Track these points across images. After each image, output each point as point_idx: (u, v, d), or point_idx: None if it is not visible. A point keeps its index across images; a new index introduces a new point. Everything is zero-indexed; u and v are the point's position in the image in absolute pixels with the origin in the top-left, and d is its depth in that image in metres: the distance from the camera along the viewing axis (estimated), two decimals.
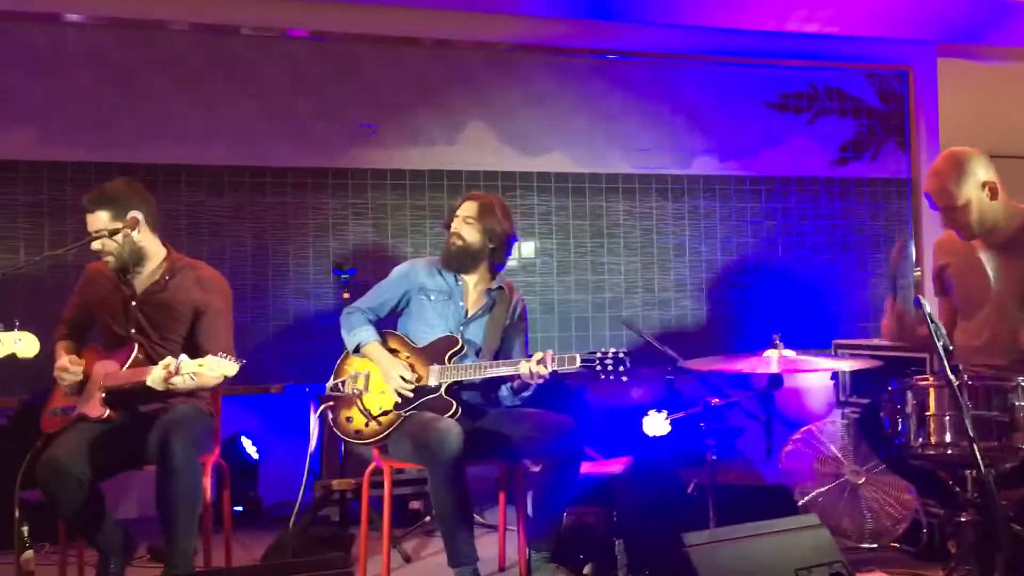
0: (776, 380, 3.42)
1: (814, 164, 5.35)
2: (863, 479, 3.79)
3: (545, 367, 3.18)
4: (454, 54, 4.83)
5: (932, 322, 2.68)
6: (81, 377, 3.22)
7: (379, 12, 4.70)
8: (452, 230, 3.55)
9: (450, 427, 3.17)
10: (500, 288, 3.59)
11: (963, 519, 2.85)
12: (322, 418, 3.55)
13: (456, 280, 3.56)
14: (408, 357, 3.44)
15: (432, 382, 3.37)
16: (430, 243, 4.68)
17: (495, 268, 3.60)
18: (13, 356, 2.95)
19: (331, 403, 3.44)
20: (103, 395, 3.14)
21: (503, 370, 3.31)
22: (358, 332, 3.48)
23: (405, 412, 3.32)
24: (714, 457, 3.25)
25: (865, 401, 4.04)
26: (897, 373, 3.22)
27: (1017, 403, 2.77)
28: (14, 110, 4.25)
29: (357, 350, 3.48)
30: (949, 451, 2.83)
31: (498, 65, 4.88)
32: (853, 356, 4.21)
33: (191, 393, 3.21)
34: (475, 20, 4.84)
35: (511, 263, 4.43)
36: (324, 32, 4.66)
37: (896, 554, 3.69)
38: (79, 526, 3.13)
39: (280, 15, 4.59)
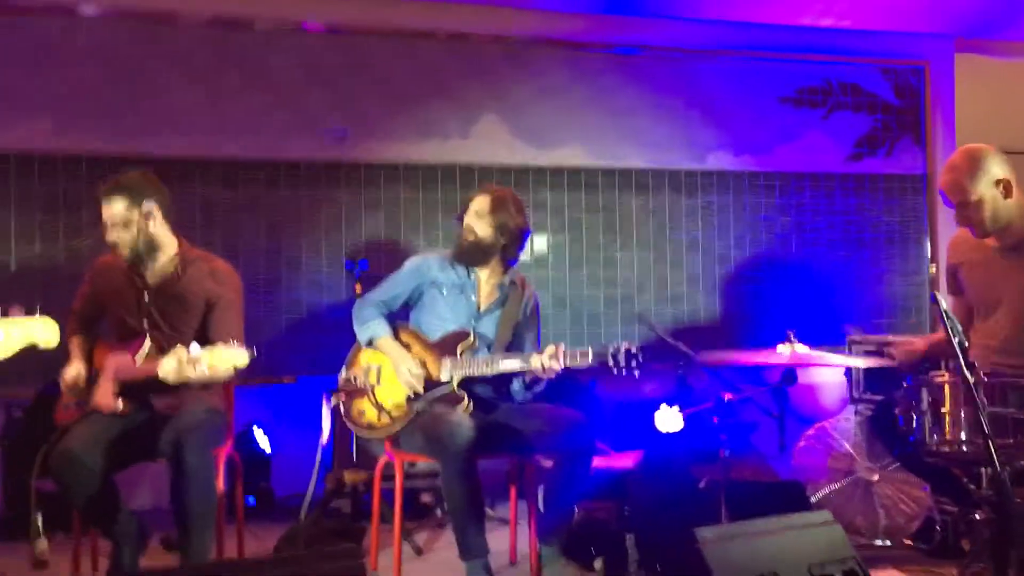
0: (790, 375, 3.40)
1: (829, 160, 5.31)
2: (877, 476, 3.77)
3: (557, 361, 3.18)
4: (469, 48, 4.82)
5: (948, 318, 2.66)
6: (85, 395, 3.22)
7: (394, 5, 4.69)
8: (465, 224, 3.54)
9: (462, 421, 3.18)
10: (513, 282, 3.58)
11: (978, 517, 2.84)
12: (334, 411, 3.56)
13: (468, 274, 3.55)
14: (420, 351, 3.44)
15: (444, 376, 3.36)
16: (443, 237, 4.67)
17: (508, 262, 3.58)
18: (34, 347, 2.94)
19: (343, 396, 3.45)
20: (116, 388, 3.15)
21: (515, 364, 3.30)
22: (371, 325, 3.48)
23: (418, 407, 3.33)
24: (727, 453, 3.24)
25: (879, 398, 4.02)
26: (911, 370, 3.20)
27: None
28: (30, 102, 4.27)
29: (370, 343, 3.48)
30: (964, 448, 2.82)
31: (512, 59, 4.87)
32: (865, 352, 4.18)
33: (203, 386, 3.21)
34: (490, 14, 4.83)
35: (524, 257, 4.42)
36: (338, 25, 4.65)
37: (910, 552, 3.67)
38: (93, 516, 3.15)
39: (295, 9, 4.59)
